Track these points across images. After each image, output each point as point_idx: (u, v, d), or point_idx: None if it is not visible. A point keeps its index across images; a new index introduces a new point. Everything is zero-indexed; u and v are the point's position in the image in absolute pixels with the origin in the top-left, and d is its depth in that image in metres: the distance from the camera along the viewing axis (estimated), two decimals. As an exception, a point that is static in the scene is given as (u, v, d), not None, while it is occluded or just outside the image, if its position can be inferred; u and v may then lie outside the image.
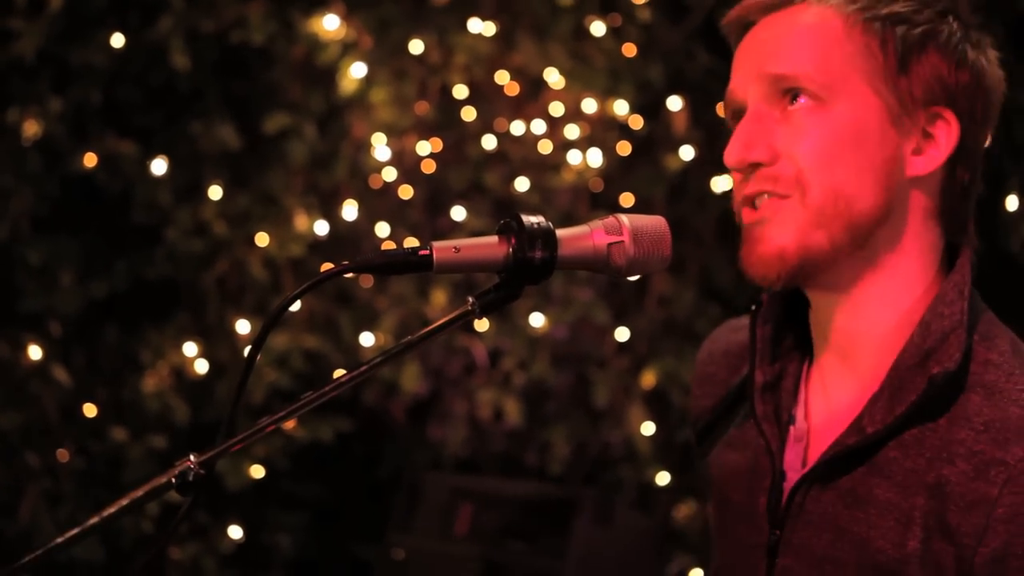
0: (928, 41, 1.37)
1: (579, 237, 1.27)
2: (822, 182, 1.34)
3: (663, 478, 3.28)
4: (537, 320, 3.19)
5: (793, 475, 1.39)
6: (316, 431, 3.26)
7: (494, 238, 1.26)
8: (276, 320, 1.24)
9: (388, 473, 3.51)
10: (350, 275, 1.28)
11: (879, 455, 1.33)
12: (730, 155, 1.39)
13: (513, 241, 1.24)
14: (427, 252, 1.24)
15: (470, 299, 1.27)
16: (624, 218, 1.28)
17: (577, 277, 3.24)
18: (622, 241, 1.27)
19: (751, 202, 1.38)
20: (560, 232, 1.26)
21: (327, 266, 3.23)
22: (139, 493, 1.34)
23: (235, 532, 3.27)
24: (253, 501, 3.35)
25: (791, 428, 1.42)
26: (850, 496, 1.34)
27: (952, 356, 1.32)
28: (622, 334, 3.28)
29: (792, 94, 1.37)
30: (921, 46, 1.36)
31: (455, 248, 1.24)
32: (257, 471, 3.22)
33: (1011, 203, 3.31)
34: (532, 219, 1.25)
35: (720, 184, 3.26)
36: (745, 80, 1.40)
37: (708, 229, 3.30)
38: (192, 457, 1.34)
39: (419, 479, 3.24)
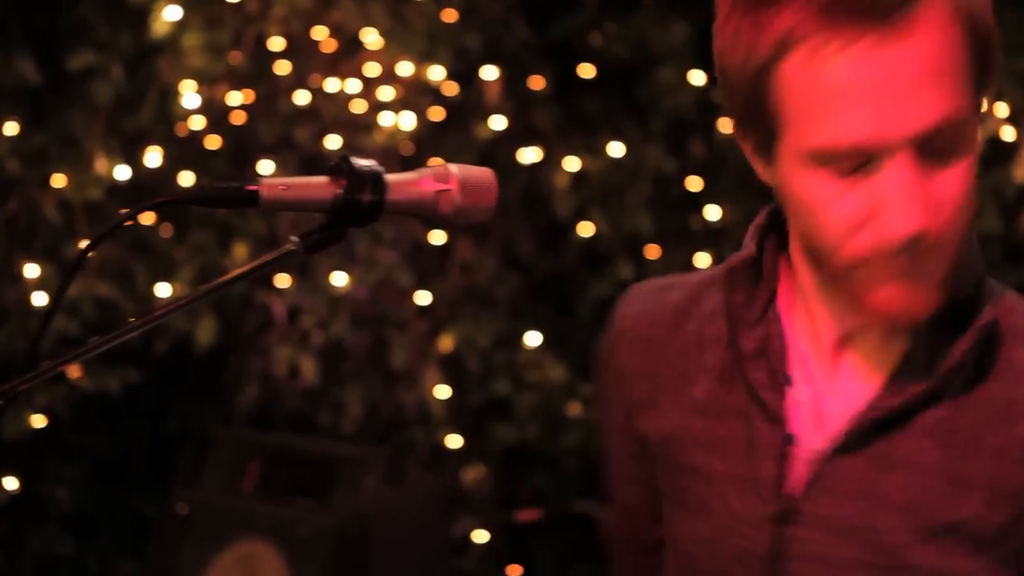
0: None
1: (408, 183, 1.28)
2: (959, 238, 1.23)
3: (454, 441, 3.33)
4: (339, 279, 3.18)
5: (805, 438, 1.31)
6: (103, 381, 3.16)
7: (324, 178, 1.26)
8: (101, 239, 1.22)
9: (176, 428, 3.44)
10: (184, 206, 1.26)
11: (920, 416, 1.24)
12: (907, 224, 1.16)
13: (343, 182, 1.25)
14: (255, 188, 1.23)
15: (293, 238, 1.27)
16: (453, 167, 1.31)
17: (382, 238, 3.24)
18: (450, 189, 1.30)
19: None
20: (389, 177, 1.27)
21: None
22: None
23: (10, 483, 3.15)
24: (31, 451, 3.23)
25: (787, 390, 1.32)
26: (885, 460, 1.26)
27: (987, 305, 1.26)
28: (423, 297, 3.31)
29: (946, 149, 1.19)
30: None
31: (284, 186, 1.24)
32: (38, 420, 3.10)
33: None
34: (363, 162, 1.26)
35: (527, 156, 3.32)
36: (889, 125, 1.15)
37: (513, 199, 3.36)
38: (-9, 386, 1.31)
39: (208, 434, 3.18)
